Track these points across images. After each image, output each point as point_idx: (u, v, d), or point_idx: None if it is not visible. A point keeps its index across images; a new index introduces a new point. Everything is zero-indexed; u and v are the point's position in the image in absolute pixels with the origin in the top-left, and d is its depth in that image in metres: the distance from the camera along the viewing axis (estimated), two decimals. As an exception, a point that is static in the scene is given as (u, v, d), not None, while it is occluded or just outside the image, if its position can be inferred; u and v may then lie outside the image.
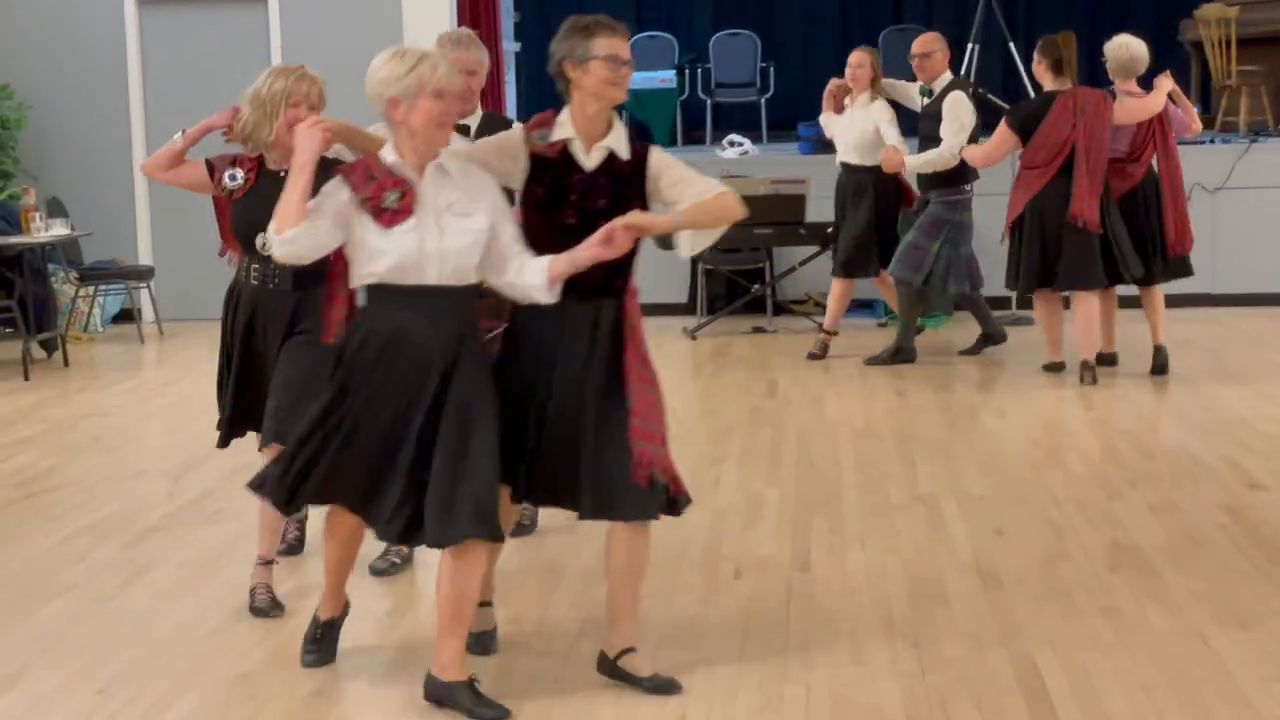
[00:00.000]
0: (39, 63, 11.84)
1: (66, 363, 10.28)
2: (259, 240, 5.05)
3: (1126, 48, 8.89)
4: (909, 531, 5.91)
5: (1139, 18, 15.33)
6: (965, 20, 13.25)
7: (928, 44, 9.44)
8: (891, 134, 9.23)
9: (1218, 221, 11.16)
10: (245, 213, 5.14)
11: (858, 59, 9.50)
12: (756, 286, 11.15)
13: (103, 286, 11.36)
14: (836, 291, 9.74)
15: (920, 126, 9.41)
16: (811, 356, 9.71)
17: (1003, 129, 8.74)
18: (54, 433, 8.25)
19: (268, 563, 5.25)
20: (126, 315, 11.62)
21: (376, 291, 4.24)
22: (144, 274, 11.43)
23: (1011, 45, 12.11)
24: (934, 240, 9.15)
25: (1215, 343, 9.84)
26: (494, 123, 5.46)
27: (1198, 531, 5.81)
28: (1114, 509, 6.15)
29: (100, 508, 6.62)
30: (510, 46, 13.92)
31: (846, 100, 9.59)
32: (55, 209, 10.90)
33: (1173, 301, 11.05)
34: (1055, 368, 9.00)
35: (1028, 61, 12.55)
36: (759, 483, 6.77)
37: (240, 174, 5.18)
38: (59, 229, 10.45)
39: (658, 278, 11.25)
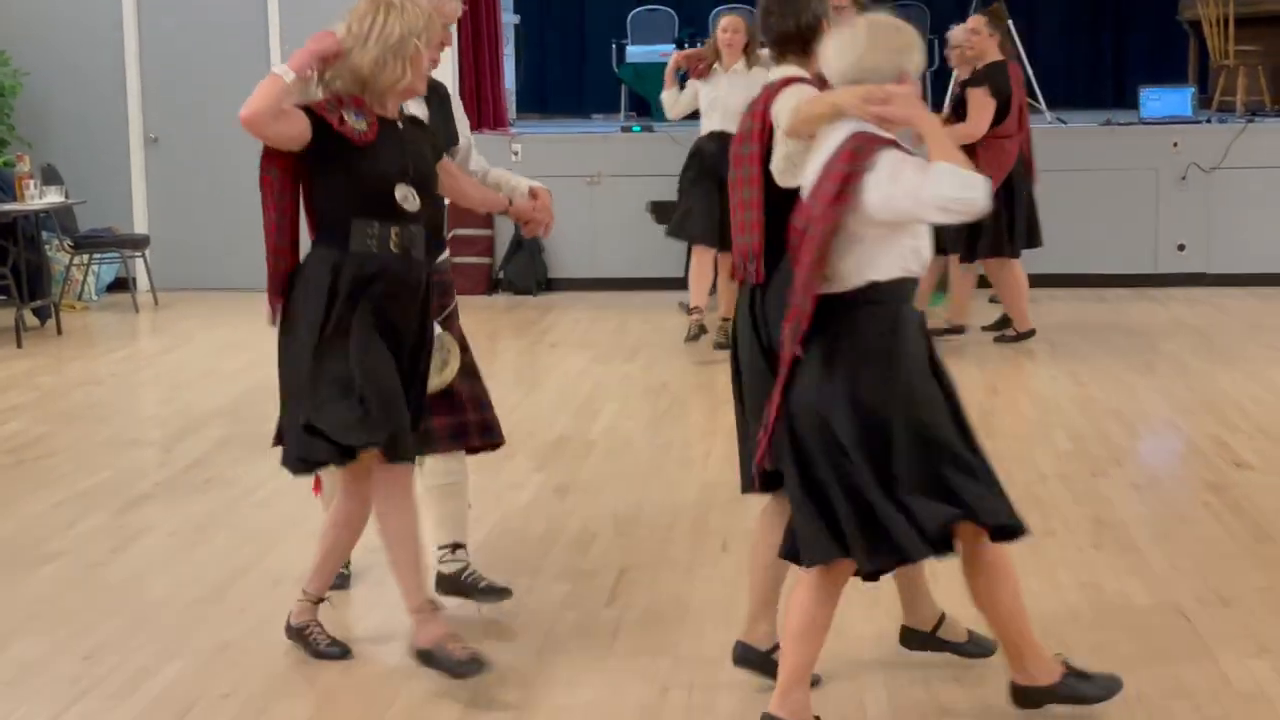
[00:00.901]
0: (35, 29, 11.83)
1: (60, 331, 10.29)
2: (400, 195, 4.26)
3: None
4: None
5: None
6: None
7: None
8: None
9: (1213, 202, 11.17)
10: (376, 165, 4.21)
11: (732, 24, 8.98)
12: (751, 261, 11.15)
13: (97, 255, 11.37)
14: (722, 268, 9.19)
15: None
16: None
17: (984, 98, 8.78)
18: (46, 400, 8.27)
19: (319, 600, 4.64)
20: (121, 284, 11.63)
21: None
22: (139, 243, 11.44)
23: (1010, 24, 12.07)
24: None
25: (1206, 323, 9.85)
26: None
27: (1181, 509, 5.83)
28: (1098, 485, 6.17)
29: (91, 475, 6.64)
30: (509, 19, 13.92)
31: (716, 67, 9.03)
32: (50, 176, 10.91)
33: (1168, 281, 11.11)
34: (1029, 335, 9.12)
35: (1025, 43, 12.60)
36: (748, 457, 6.78)
37: (363, 118, 4.23)
38: (54, 196, 10.46)
39: (655, 252, 11.28)
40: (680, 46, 14.90)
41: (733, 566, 5.24)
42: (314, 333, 4.18)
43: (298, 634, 4.57)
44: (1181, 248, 11.16)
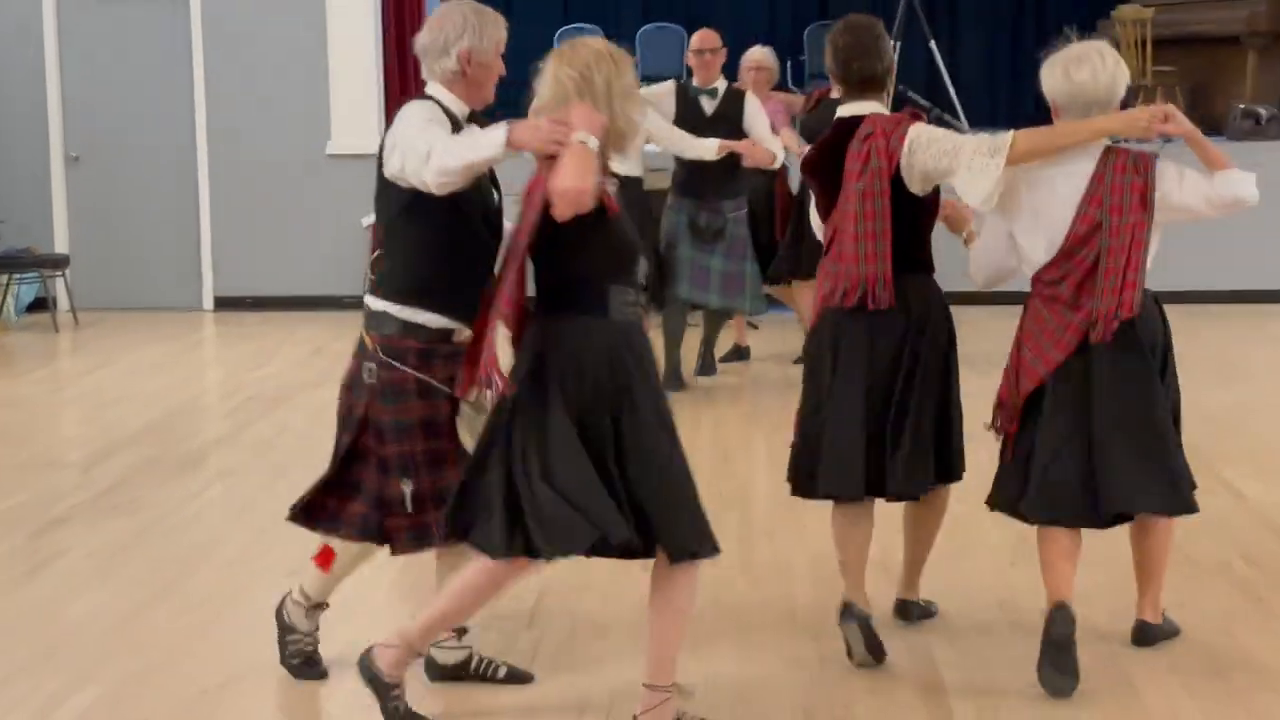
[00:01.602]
0: (-46, 47, 11.71)
1: (-21, 351, 10.18)
2: (640, 261, 4.07)
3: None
4: (817, 527, 5.94)
5: (1057, 17, 15.50)
6: (890, 17, 13.32)
7: (715, 40, 8.69)
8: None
9: (1132, 220, 11.31)
10: (625, 229, 4.04)
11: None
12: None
13: (17, 275, 11.24)
14: None
15: (705, 130, 8.37)
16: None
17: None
18: (-37, 422, 8.17)
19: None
20: (41, 304, 11.51)
21: None
22: (59, 262, 11.33)
23: (933, 44, 12.20)
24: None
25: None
26: None
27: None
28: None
29: (7, 498, 6.57)
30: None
31: None
32: (-31, 196, 10.78)
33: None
34: None
35: (948, 59, 12.72)
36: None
37: (609, 180, 4.02)
38: (-28, 216, 10.33)
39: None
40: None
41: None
42: (572, 404, 3.89)
43: (381, 687, 4.12)
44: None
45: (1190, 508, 4.50)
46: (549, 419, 3.87)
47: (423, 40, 4.29)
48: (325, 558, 4.51)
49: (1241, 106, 11.89)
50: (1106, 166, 4.40)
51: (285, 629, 4.57)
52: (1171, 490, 4.46)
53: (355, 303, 11.61)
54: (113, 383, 9.18)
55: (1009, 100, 15.13)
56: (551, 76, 4.02)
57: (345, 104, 11.57)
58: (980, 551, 5.61)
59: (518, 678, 4.51)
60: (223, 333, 10.96)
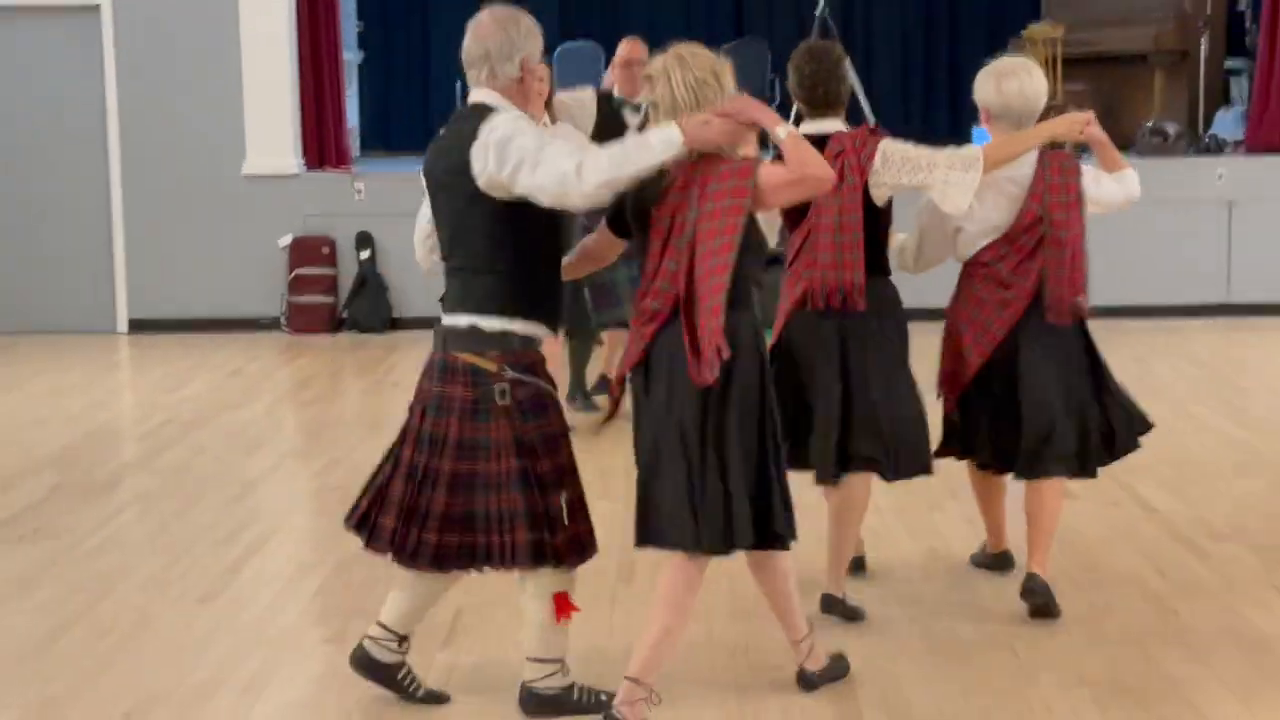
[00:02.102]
0: None
1: (-113, 376, 10.01)
2: None
3: None
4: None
5: (970, 36, 15.72)
6: (805, 34, 13.43)
7: (644, 51, 8.09)
8: None
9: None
10: (759, 227, 4.37)
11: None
12: (596, 299, 11.17)
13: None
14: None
15: None
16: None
17: None
18: None
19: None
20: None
21: None
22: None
23: (848, 62, 12.28)
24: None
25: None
26: None
27: (1012, 541, 5.93)
28: (934, 520, 6.27)
29: (-86, 526, 6.47)
30: (351, 56, 13.85)
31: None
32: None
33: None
34: None
35: (863, 75, 12.83)
36: (590, 496, 6.78)
37: None
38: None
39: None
40: (524, 84, 14.96)
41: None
42: (762, 399, 4.18)
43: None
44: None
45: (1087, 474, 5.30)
46: (731, 417, 4.13)
47: (485, 45, 4.18)
48: (564, 608, 4.33)
49: (1149, 123, 12.06)
50: (1044, 168, 5.11)
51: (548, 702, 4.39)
52: (1082, 455, 5.20)
53: (272, 324, 11.67)
54: (26, 407, 9.07)
55: (921, 117, 15.28)
56: (679, 81, 4.16)
57: (261, 125, 11.50)
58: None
59: (435, 698, 4.50)
60: (138, 356, 10.85)
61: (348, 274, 11.58)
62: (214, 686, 4.64)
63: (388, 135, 15.86)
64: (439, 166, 4.20)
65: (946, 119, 15.52)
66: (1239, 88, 13.42)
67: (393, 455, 4.35)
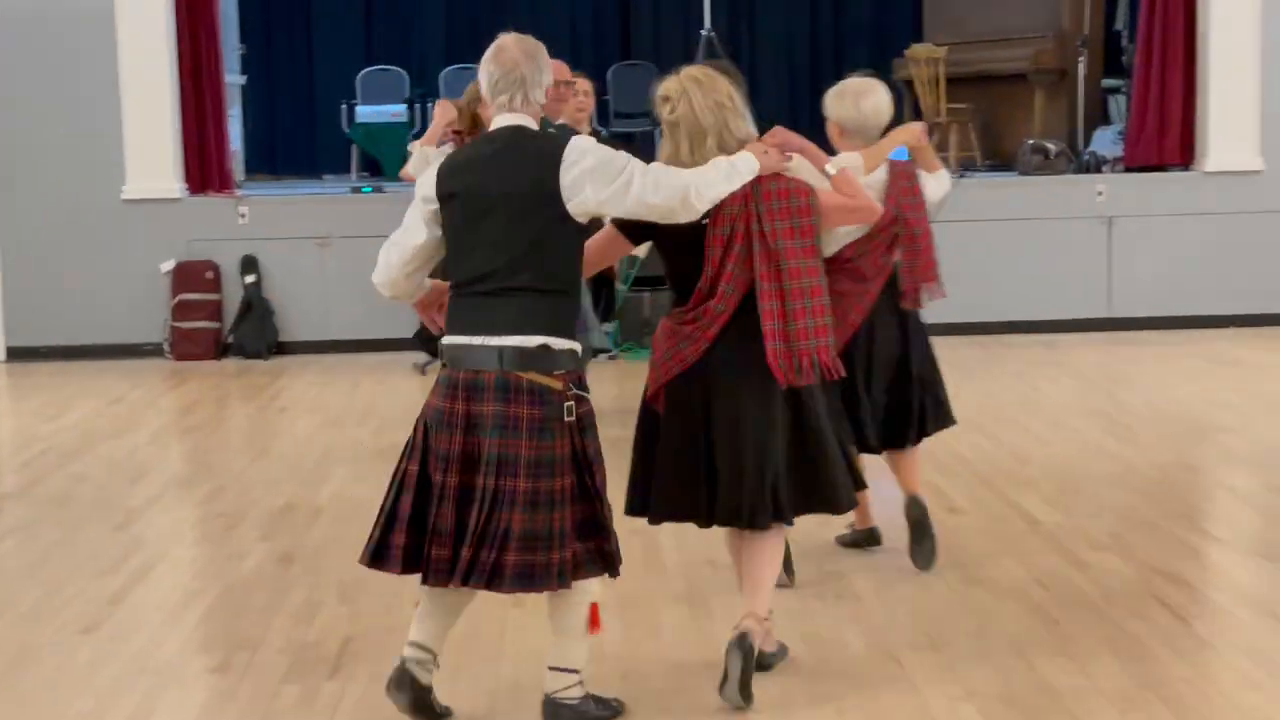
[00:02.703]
0: None
1: None
2: None
3: None
4: (623, 563, 5.97)
5: (854, 55, 15.90)
6: (692, 58, 13.51)
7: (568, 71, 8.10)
8: None
9: (930, 254, 11.54)
10: None
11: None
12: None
13: None
14: None
15: None
16: None
17: None
18: None
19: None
20: None
21: None
22: None
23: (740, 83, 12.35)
24: None
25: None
26: None
27: (898, 557, 5.99)
28: (823, 535, 6.30)
29: None
30: (234, 79, 13.72)
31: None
32: None
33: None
34: None
35: (749, 96, 12.89)
36: (479, 518, 6.77)
37: None
38: None
39: (387, 314, 11.22)
40: (411, 107, 14.91)
41: (458, 631, 5.21)
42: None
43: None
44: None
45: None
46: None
47: (520, 72, 4.29)
48: (596, 619, 4.42)
49: (1030, 141, 12.25)
50: (893, 175, 5.62)
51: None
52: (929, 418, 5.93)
53: (155, 350, 11.51)
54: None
55: (809, 137, 15.39)
56: (701, 103, 4.48)
57: (141, 148, 11.34)
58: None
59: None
60: (16, 384, 10.65)
61: (232, 299, 11.46)
62: (97, 718, 4.56)
63: (273, 159, 15.75)
64: (500, 187, 4.23)
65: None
66: (1117, 106, 13.67)
67: (420, 484, 4.27)
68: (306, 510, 6.97)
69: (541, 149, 4.27)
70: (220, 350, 11.45)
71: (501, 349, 4.18)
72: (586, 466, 4.27)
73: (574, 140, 4.30)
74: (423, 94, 15.14)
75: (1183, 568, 5.84)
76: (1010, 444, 7.86)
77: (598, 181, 4.19)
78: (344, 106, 14.92)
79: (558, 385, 4.21)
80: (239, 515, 6.89)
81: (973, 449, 7.78)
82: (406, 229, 4.35)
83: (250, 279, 11.42)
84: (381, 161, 14.45)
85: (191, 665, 5.10)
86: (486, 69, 4.28)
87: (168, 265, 11.37)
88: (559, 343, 4.23)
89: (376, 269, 4.42)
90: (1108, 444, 7.93)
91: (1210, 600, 5.58)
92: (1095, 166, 12.06)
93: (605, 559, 4.34)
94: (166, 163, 11.40)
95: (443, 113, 7.51)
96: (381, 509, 4.34)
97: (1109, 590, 5.55)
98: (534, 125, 4.32)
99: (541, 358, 4.20)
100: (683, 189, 4.25)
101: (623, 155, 4.27)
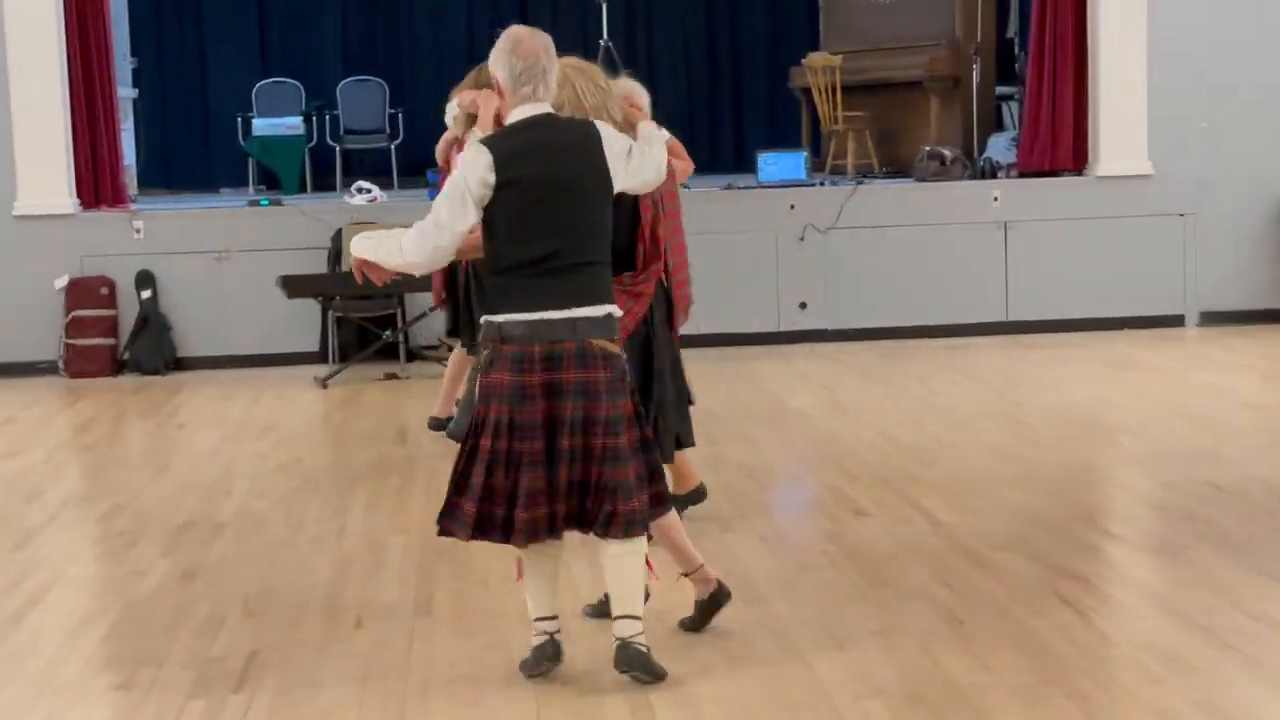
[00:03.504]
0: None
1: None
2: None
3: None
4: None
5: (752, 64, 16.02)
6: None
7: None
8: None
9: (830, 261, 11.63)
10: None
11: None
12: (388, 333, 11.10)
13: None
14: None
15: None
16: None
17: None
18: None
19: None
20: None
21: None
22: None
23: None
24: None
25: (829, 378, 10.25)
26: None
27: (804, 558, 6.04)
28: (727, 540, 6.33)
29: None
30: (126, 93, 13.55)
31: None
32: None
33: (792, 338, 11.51)
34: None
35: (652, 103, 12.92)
36: (384, 530, 6.74)
37: None
38: None
39: (288, 326, 11.13)
40: (308, 120, 14.80)
41: (366, 643, 5.19)
42: None
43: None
44: (804, 305, 11.57)
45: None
46: None
47: (542, 63, 4.61)
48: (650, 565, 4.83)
49: (927, 148, 12.38)
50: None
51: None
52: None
53: (50, 368, 11.32)
54: None
55: (709, 145, 15.47)
56: (583, 88, 4.96)
57: (32, 163, 11.17)
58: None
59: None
60: (-93, 404, 10.44)
61: (128, 315, 11.30)
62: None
63: (168, 173, 15.56)
64: (568, 172, 4.61)
65: (731, 144, 15.77)
66: (1010, 113, 13.86)
67: (492, 457, 4.58)
68: (208, 526, 6.89)
69: (587, 134, 4.68)
70: (116, 367, 11.30)
71: (575, 320, 4.57)
72: (641, 420, 4.73)
73: (601, 127, 4.72)
74: (320, 106, 15.03)
75: (1083, 565, 5.93)
76: (913, 446, 7.93)
77: (632, 163, 4.74)
78: (239, 119, 14.78)
79: (617, 349, 4.66)
80: (139, 533, 6.80)
81: (875, 452, 7.85)
82: (453, 214, 4.64)
83: (146, 294, 11.28)
84: (279, 173, 14.34)
85: (95, 684, 5.03)
86: (507, 61, 4.59)
87: (61, 281, 11.20)
88: (616, 310, 4.70)
89: (418, 255, 4.72)
90: (1009, 445, 8.02)
91: (1110, 597, 5.66)
92: (990, 172, 12.21)
93: (664, 501, 4.81)
94: (58, 178, 11.23)
95: (487, 101, 6.90)
96: (454, 481, 4.65)
97: (1011, 589, 5.61)
98: (553, 111, 4.68)
99: (606, 325, 4.64)
100: (659, 162, 4.84)
101: (625, 139, 4.78)
